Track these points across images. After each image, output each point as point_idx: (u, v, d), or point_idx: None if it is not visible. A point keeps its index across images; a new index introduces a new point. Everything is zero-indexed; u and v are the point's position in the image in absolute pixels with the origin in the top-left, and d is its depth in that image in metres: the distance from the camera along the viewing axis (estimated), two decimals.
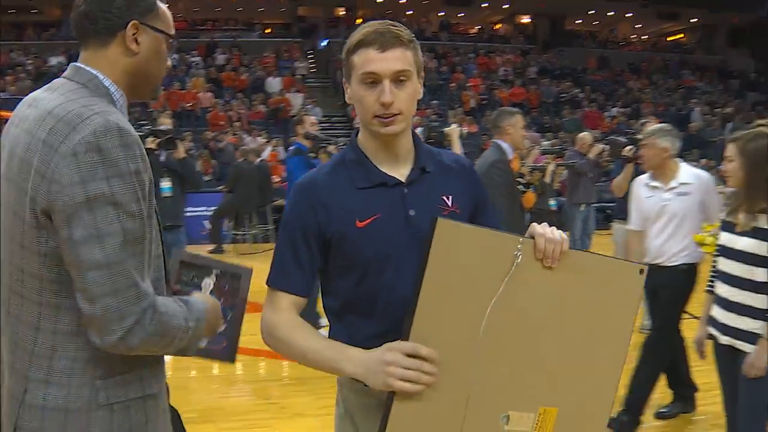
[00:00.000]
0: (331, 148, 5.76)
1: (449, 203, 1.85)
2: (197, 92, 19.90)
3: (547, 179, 8.55)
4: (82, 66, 1.65)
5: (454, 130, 7.25)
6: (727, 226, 3.35)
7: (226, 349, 1.92)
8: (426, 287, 1.56)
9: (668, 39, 35.09)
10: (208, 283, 1.91)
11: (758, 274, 3.14)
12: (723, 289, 3.34)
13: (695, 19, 33.23)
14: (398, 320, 1.66)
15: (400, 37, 1.74)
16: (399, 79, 1.74)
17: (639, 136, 6.21)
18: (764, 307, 3.12)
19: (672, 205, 4.39)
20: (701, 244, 4.17)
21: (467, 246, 1.60)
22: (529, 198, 6.83)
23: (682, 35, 35.38)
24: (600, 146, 9.22)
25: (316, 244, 1.80)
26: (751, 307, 3.16)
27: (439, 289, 1.57)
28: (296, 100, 20.80)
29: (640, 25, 35.05)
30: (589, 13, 32.83)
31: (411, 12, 30.59)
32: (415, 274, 1.58)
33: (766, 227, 3.12)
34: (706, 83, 28.32)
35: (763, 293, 3.13)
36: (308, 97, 21.41)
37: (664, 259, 4.39)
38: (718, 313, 3.37)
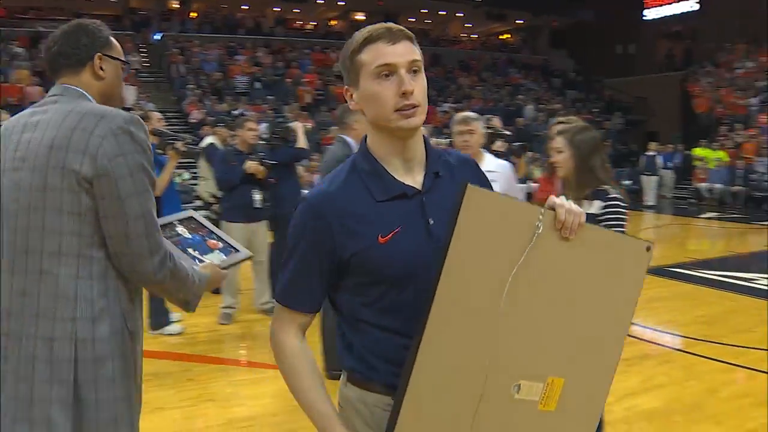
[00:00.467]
0: (178, 144, 5.76)
1: None
2: (23, 86, 18.94)
3: None
4: (69, 86, 2.13)
5: (298, 126, 7.46)
6: None
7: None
8: (452, 254, 1.53)
9: (497, 38, 36.47)
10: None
11: None
12: None
13: (521, 21, 34.81)
14: (405, 339, 1.65)
15: (406, 32, 1.70)
16: (413, 70, 1.68)
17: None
18: None
19: None
20: None
21: (492, 214, 1.58)
22: None
23: (509, 35, 36.90)
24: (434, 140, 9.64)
25: (329, 262, 1.71)
26: None
27: (464, 257, 1.55)
28: (129, 94, 20.24)
29: (470, 25, 36.23)
30: (422, 11, 33.65)
31: (247, 6, 30.25)
32: (442, 240, 1.55)
33: (592, 212, 3.32)
34: (531, 81, 29.71)
35: None
36: (141, 92, 20.84)
37: None
38: None
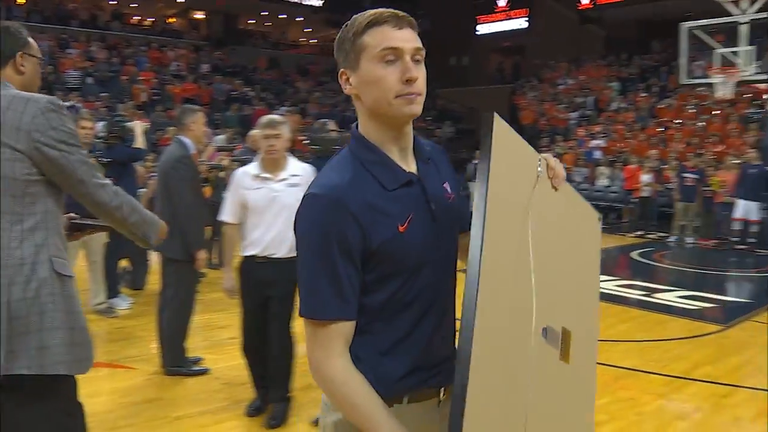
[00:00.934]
0: None
1: (448, 190, 1.79)
2: None
3: (223, 174, 8.94)
4: None
5: (137, 125, 7.44)
6: None
7: None
8: (491, 197, 1.46)
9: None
10: None
11: None
12: None
13: None
14: (431, 321, 1.67)
15: (411, 20, 1.66)
16: (416, 58, 1.64)
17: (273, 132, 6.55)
18: None
19: (283, 197, 4.32)
20: None
21: (511, 149, 1.57)
22: (206, 192, 7.28)
23: None
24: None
25: (359, 258, 1.60)
26: None
27: (498, 198, 1.48)
28: None
29: (309, 30, 36.48)
30: (263, 13, 33.53)
31: None
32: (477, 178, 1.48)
33: None
34: None
35: None
36: None
37: (278, 252, 4.35)
38: None
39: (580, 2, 29.48)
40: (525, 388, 1.48)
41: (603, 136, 22.02)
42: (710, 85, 16.44)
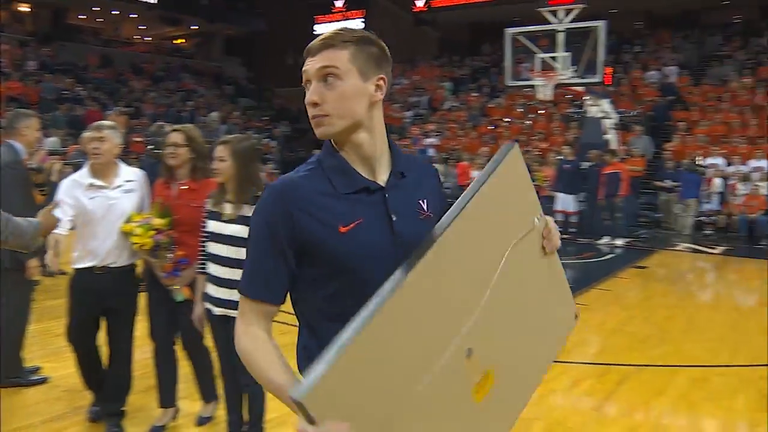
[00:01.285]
0: None
1: (425, 207, 1.78)
2: None
3: (55, 178, 8.68)
4: None
5: None
6: (214, 215, 3.80)
7: None
8: (476, 200, 1.52)
9: (171, 43, 36.00)
10: None
11: (244, 253, 3.78)
12: (215, 269, 3.78)
13: (195, 27, 34.74)
14: None
15: (329, 40, 1.68)
16: (326, 78, 1.67)
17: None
18: None
19: (121, 204, 4.22)
20: (130, 234, 4.12)
21: (516, 181, 1.65)
22: (38, 198, 7.12)
23: (183, 40, 36.62)
24: None
25: (291, 250, 1.69)
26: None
27: (483, 210, 1.54)
28: None
29: (144, 27, 35.43)
30: (94, 9, 32.25)
31: None
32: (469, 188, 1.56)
33: (250, 215, 3.74)
34: (204, 88, 29.85)
35: None
36: None
37: (118, 261, 4.24)
38: (212, 289, 3.81)
39: (415, 5, 30.26)
40: (407, 387, 1.42)
41: (436, 135, 22.85)
42: (533, 86, 17.54)
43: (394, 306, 1.36)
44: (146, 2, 31.06)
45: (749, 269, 12.11)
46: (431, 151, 21.46)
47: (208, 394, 4.59)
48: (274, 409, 3.98)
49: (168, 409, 4.52)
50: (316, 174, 1.72)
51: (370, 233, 1.67)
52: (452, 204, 1.56)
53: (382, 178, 1.75)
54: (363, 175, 1.73)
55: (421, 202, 1.78)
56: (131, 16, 33.72)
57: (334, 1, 31.60)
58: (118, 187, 4.26)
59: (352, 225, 1.66)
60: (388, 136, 1.81)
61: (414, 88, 27.68)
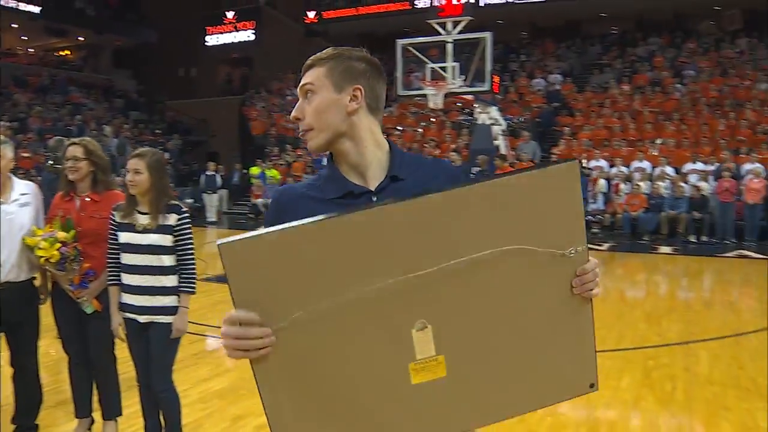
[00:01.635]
0: None
1: None
2: None
3: None
4: None
5: None
6: (126, 227, 3.89)
7: None
8: (488, 186, 1.41)
9: (56, 55, 35.00)
10: None
11: (165, 261, 3.88)
12: (134, 279, 3.88)
13: (82, 38, 33.91)
14: None
15: (311, 61, 1.81)
16: (306, 94, 1.79)
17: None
18: (175, 285, 3.91)
19: (18, 218, 4.17)
20: (35, 247, 4.08)
21: (559, 198, 1.44)
22: None
23: (69, 52, 35.66)
24: None
25: None
26: (164, 286, 3.88)
27: (489, 199, 1.41)
28: None
29: (26, 38, 34.37)
30: None
31: None
32: None
33: (167, 224, 3.85)
34: (92, 100, 29.02)
35: (171, 274, 3.90)
36: None
37: (20, 276, 4.20)
38: (132, 299, 3.91)
39: (306, 16, 30.42)
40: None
41: None
42: (425, 95, 17.99)
43: (341, 225, 1.35)
44: (29, 12, 30.06)
45: (633, 263, 12.85)
46: (325, 161, 21.44)
47: (110, 410, 4.49)
48: (188, 414, 4.09)
49: (83, 420, 4.51)
50: (314, 183, 1.85)
51: None
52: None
53: (374, 183, 1.80)
54: (352, 181, 1.80)
55: None
56: (13, 26, 32.54)
57: (226, 12, 31.41)
58: (15, 201, 4.21)
59: None
60: (390, 142, 1.88)
61: None
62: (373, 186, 1.79)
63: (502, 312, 1.48)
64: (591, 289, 1.53)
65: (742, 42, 24.11)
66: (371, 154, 1.81)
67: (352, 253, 1.37)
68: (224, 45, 31.81)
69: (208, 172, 21.34)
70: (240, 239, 1.32)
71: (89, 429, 4.54)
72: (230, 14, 31.34)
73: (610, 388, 5.43)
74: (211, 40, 31.96)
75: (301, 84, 1.79)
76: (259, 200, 20.89)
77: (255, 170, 21.83)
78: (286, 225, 1.33)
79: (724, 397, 5.28)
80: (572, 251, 1.48)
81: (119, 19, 32.42)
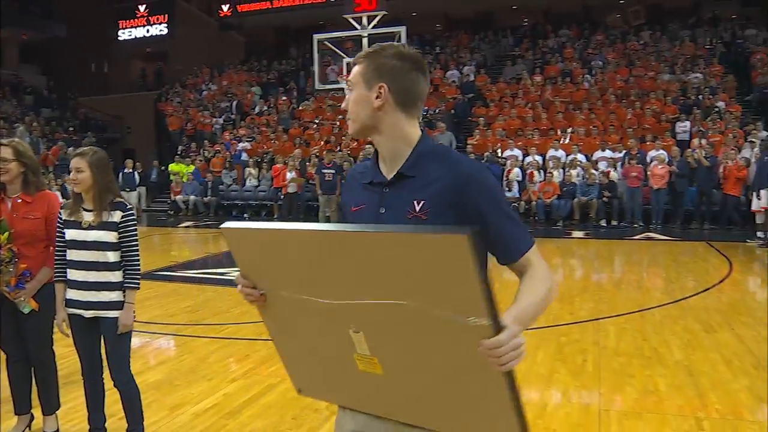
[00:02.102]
0: None
1: (417, 209, 1.87)
2: None
3: None
4: None
5: None
6: (72, 224, 3.92)
7: None
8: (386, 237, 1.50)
9: None
10: None
11: (110, 257, 3.91)
12: (80, 275, 3.91)
13: None
14: None
15: (354, 58, 2.04)
16: (349, 87, 2.01)
17: None
18: (120, 280, 3.94)
19: None
20: None
21: (446, 267, 1.40)
22: None
23: None
24: None
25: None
26: (109, 282, 3.91)
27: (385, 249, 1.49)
28: None
29: None
30: None
31: None
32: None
33: (111, 220, 3.88)
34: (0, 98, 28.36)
35: (116, 270, 3.94)
36: None
37: None
38: (77, 294, 3.93)
39: (221, 9, 30.18)
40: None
41: (248, 139, 23.10)
42: (342, 88, 18.16)
43: (293, 234, 1.67)
44: None
45: (548, 248, 13.31)
46: (244, 156, 21.63)
47: (50, 405, 4.51)
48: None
49: (23, 416, 4.54)
50: (368, 166, 2.08)
51: (365, 218, 1.98)
52: (488, 209, 1.83)
53: (391, 174, 1.97)
54: (381, 170, 2.00)
55: (415, 202, 1.88)
56: None
57: (138, 6, 30.87)
58: None
59: (356, 208, 2.04)
60: (422, 135, 1.98)
61: (223, 93, 27.68)
62: (390, 175, 1.97)
63: (416, 343, 1.56)
64: (503, 363, 1.47)
65: (645, 35, 25.12)
66: (394, 147, 1.97)
67: (297, 260, 1.68)
68: (137, 39, 31.26)
69: (126, 170, 21.01)
70: (243, 227, 1.79)
71: (29, 425, 4.57)
72: (142, 8, 30.79)
73: (526, 363, 5.71)
74: (123, 34, 31.36)
75: (347, 80, 2.03)
76: (179, 197, 20.82)
77: (173, 167, 21.66)
78: (271, 223, 1.77)
79: (630, 366, 5.71)
80: (474, 320, 1.42)
81: (25, 12, 31.21)
